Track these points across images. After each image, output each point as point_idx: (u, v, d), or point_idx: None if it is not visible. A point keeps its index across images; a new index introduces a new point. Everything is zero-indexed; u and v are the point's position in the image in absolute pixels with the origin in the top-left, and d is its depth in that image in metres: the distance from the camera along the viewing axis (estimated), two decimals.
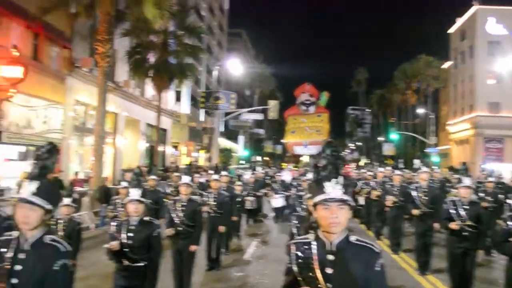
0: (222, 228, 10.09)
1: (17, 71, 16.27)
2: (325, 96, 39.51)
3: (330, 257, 2.94)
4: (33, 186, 3.16)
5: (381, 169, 16.10)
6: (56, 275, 3.07)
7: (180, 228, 7.68)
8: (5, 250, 3.18)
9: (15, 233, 3.24)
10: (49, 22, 18.79)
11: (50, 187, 3.31)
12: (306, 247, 3.01)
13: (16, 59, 16.37)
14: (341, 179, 3.00)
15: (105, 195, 16.17)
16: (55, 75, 20.34)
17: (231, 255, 12.00)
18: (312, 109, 36.91)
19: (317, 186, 3.03)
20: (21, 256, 3.11)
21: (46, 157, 3.30)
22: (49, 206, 3.19)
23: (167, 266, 7.75)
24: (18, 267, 3.05)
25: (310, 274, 2.95)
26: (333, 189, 2.94)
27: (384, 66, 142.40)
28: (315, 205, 3.00)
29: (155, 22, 18.39)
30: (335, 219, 2.90)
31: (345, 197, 2.94)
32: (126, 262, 5.32)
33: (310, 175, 7.05)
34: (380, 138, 74.90)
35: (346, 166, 57.71)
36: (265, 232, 16.46)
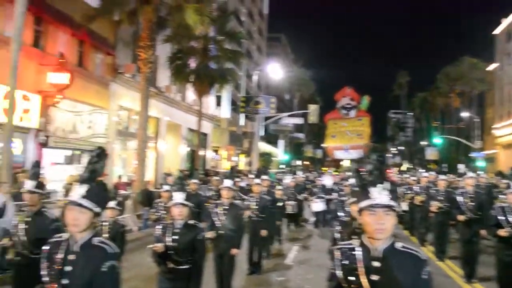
0: (264, 232, 10.09)
1: (63, 78, 16.77)
2: (366, 100, 39.14)
3: (376, 264, 2.89)
4: (83, 189, 3.22)
5: (425, 173, 15.75)
6: (105, 276, 3.12)
7: (222, 232, 7.71)
8: (55, 251, 3.26)
9: (65, 235, 3.31)
10: (94, 29, 19.27)
11: (99, 190, 3.37)
12: (351, 253, 2.98)
13: (63, 66, 16.86)
14: (387, 184, 2.95)
15: (148, 198, 16.45)
16: (99, 81, 20.84)
17: (272, 260, 11.98)
18: (353, 113, 36.64)
19: (362, 191, 2.98)
20: (71, 257, 3.17)
21: (96, 161, 3.36)
22: (98, 209, 3.25)
23: (210, 269, 7.80)
24: (68, 268, 3.12)
25: (355, 280, 2.91)
26: (379, 194, 2.89)
27: (426, 68, 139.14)
28: (360, 210, 2.95)
29: (196, 28, 18.58)
30: (381, 225, 2.86)
31: (392, 203, 2.89)
32: (171, 265, 5.37)
33: (352, 180, 6.97)
34: (423, 142, 73.41)
35: (387, 170, 56.94)
36: (306, 237, 16.36)
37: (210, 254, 8.03)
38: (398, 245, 2.93)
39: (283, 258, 12.43)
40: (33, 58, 16.49)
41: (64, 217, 3.27)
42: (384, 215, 2.86)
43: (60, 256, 3.22)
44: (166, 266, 5.43)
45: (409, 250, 2.94)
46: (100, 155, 3.40)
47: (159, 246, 5.28)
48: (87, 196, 3.20)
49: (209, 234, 7.61)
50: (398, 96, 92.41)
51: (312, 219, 19.06)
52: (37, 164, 6.17)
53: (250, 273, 10.21)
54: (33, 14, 16.14)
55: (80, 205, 3.18)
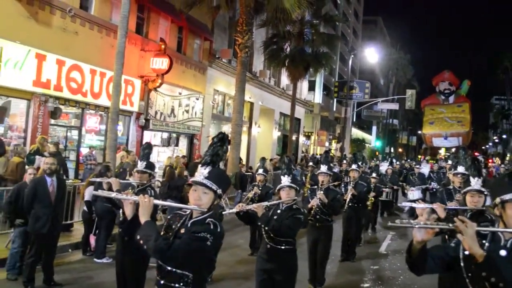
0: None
1: (163, 63, 17.40)
2: (466, 85, 37.10)
3: (503, 252, 2.78)
4: (206, 170, 3.35)
5: None
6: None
7: (318, 217, 7.69)
8: (174, 223, 3.42)
9: (188, 211, 3.45)
10: (192, 16, 19.77)
11: (222, 174, 3.51)
12: (479, 239, 2.82)
13: (163, 51, 17.49)
14: None
15: (240, 181, 16.75)
16: (197, 66, 21.44)
17: (365, 247, 11.83)
18: (451, 98, 34.85)
19: (510, 181, 2.84)
20: (182, 230, 3.30)
21: (219, 145, 3.49)
22: (220, 191, 3.36)
23: (303, 254, 7.81)
24: (177, 241, 3.21)
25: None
26: None
27: None
28: (503, 202, 2.82)
29: (293, 12, 18.41)
30: None
31: None
32: (269, 245, 5.47)
33: (461, 168, 6.65)
34: None
35: (488, 160, 53.88)
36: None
37: (305, 239, 8.07)
38: None
39: (377, 246, 12.21)
40: (136, 44, 17.27)
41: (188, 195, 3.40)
42: None
43: (175, 227, 3.38)
44: (265, 246, 5.53)
45: None
46: (223, 140, 3.53)
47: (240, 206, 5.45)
48: (210, 178, 3.32)
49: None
50: (503, 80, 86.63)
51: (408, 207, 18.50)
52: (148, 146, 6.45)
53: (343, 260, 10.12)
54: (136, 2, 16.86)
55: (204, 185, 3.30)
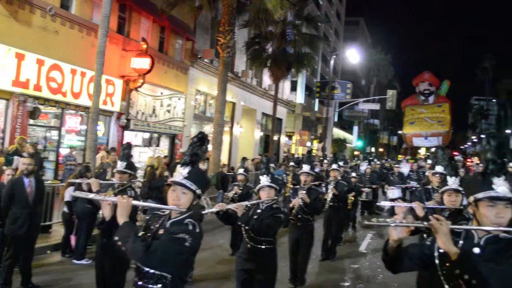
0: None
1: (145, 63, 17.31)
2: (446, 85, 37.54)
3: (476, 250, 2.81)
4: (185, 170, 3.35)
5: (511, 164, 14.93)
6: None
7: (299, 216, 7.73)
8: (153, 223, 3.42)
9: (167, 211, 3.45)
10: (174, 15, 19.70)
11: (200, 174, 3.50)
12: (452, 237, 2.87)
13: (145, 51, 17.40)
14: (508, 175, 2.83)
15: (222, 181, 16.74)
16: (179, 66, 21.36)
17: (345, 246, 11.93)
18: (431, 99, 35.22)
19: (483, 180, 2.87)
20: (161, 231, 3.29)
21: (198, 145, 3.49)
22: (199, 191, 3.36)
23: (284, 254, 7.85)
24: (156, 242, 3.19)
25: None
26: (502, 186, 2.78)
27: None
28: (476, 200, 2.85)
29: (275, 12, 18.40)
30: (501, 219, 2.76)
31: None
32: (249, 244, 5.49)
33: (439, 168, 6.74)
34: (508, 131, 69.64)
35: (467, 160, 54.56)
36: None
37: (285, 238, 8.11)
38: (502, 234, 2.81)
39: (357, 245, 12.32)
40: (117, 43, 17.16)
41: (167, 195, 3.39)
42: (504, 208, 2.76)
43: (153, 228, 3.38)
44: (245, 246, 5.55)
45: None
46: (202, 140, 3.53)
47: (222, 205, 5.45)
48: (189, 178, 3.33)
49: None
50: (482, 81, 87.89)
51: (387, 206, 18.66)
52: (128, 146, 6.41)
53: (323, 259, 10.19)
54: (117, 1, 16.74)
55: (182, 185, 3.30)
